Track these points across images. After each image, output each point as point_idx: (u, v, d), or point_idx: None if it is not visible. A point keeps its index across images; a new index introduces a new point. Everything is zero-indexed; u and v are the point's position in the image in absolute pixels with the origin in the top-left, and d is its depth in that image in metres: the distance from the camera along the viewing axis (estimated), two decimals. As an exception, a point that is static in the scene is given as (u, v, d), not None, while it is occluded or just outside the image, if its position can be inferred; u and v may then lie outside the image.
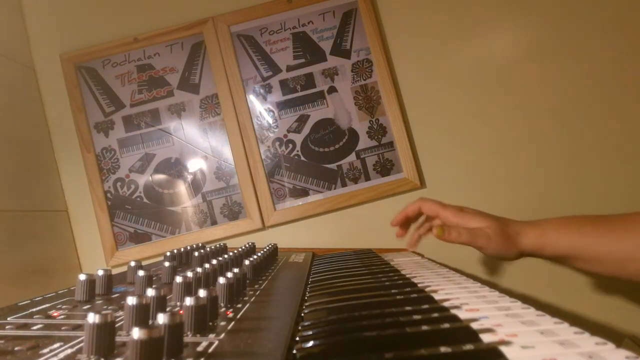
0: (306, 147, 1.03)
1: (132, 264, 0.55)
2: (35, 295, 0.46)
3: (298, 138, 1.03)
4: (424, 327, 0.31)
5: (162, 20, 1.06)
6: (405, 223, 0.75)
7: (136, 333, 0.23)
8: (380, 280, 0.52)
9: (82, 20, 1.07)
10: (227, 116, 1.03)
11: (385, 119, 1.02)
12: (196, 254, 0.63)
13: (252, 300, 0.43)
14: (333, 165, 1.02)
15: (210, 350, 0.28)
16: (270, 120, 1.04)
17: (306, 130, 1.03)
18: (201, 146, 1.04)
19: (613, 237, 0.58)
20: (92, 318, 0.26)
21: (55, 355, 0.28)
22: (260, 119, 1.04)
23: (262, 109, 1.04)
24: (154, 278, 0.48)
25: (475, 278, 0.52)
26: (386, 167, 1.01)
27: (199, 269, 0.44)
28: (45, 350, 0.28)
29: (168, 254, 0.67)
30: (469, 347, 0.27)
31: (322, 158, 1.02)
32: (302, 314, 0.40)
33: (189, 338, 0.30)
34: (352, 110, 1.03)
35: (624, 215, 0.59)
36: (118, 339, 0.29)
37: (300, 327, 0.35)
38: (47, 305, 0.42)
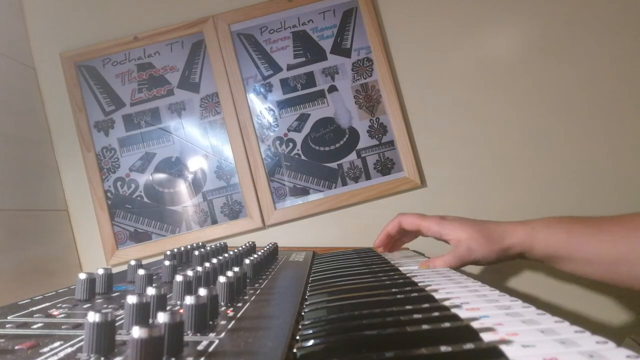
0: (306, 146, 1.03)
1: (133, 263, 0.55)
2: (36, 294, 0.46)
3: (298, 137, 1.03)
4: (425, 326, 0.31)
5: (162, 19, 1.06)
6: (388, 242, 0.76)
7: (136, 332, 0.23)
8: (380, 279, 0.52)
9: (82, 19, 1.07)
10: (227, 115, 1.03)
11: (385, 118, 1.02)
12: (196, 253, 0.63)
13: (252, 299, 0.43)
14: (333, 164, 1.02)
15: (210, 349, 0.28)
16: (271, 119, 1.04)
17: (306, 129, 1.03)
18: (201, 145, 1.04)
19: (604, 238, 0.56)
20: (92, 317, 0.26)
21: (56, 354, 0.28)
22: (261, 117, 1.04)
23: (262, 107, 1.04)
24: (154, 277, 0.48)
25: (475, 277, 0.52)
26: (387, 166, 1.01)
27: (199, 268, 0.44)
28: (45, 349, 0.28)
29: (168, 253, 0.67)
30: (469, 346, 0.27)
31: (323, 157, 1.02)
32: (303, 313, 0.40)
33: (189, 337, 0.30)
34: (352, 109, 1.03)
35: (617, 217, 0.57)
36: (118, 337, 0.29)
37: (300, 326, 0.35)
38: (47, 304, 0.42)
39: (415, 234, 0.74)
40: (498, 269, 0.97)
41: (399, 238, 0.77)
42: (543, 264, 0.63)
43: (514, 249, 0.61)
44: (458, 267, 0.62)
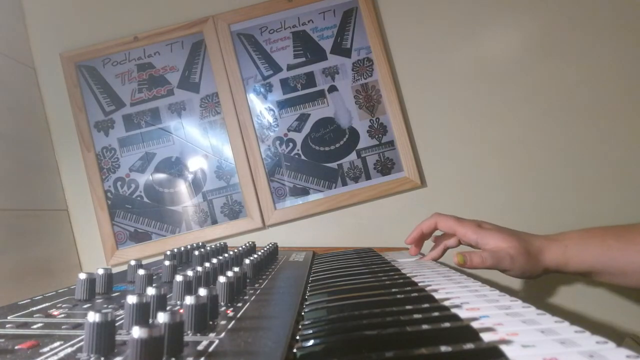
0: (307, 146, 1.03)
1: (133, 263, 0.55)
2: (36, 294, 0.46)
3: (298, 137, 1.03)
4: (425, 326, 0.31)
5: (162, 19, 1.06)
6: (420, 240, 0.73)
7: (136, 332, 0.23)
8: (380, 279, 0.52)
9: (82, 19, 1.07)
10: (227, 115, 1.03)
11: (385, 118, 1.02)
12: (196, 253, 0.63)
13: (252, 299, 0.43)
14: (333, 164, 1.02)
15: (210, 349, 0.28)
16: (271, 119, 1.04)
17: (307, 129, 1.03)
18: (201, 145, 1.04)
19: (638, 248, 0.56)
20: (92, 317, 0.26)
21: (56, 354, 0.28)
22: (261, 117, 1.04)
23: (262, 107, 1.04)
24: (154, 277, 0.48)
25: (475, 277, 0.52)
26: (387, 166, 1.01)
27: (199, 268, 0.44)
28: (45, 349, 0.28)
29: (168, 253, 0.67)
30: (469, 346, 0.27)
31: (323, 157, 1.02)
32: (303, 313, 0.40)
33: (189, 337, 0.30)
34: (352, 109, 1.03)
35: None
36: (118, 337, 0.29)
37: (300, 326, 0.35)
38: (47, 304, 0.42)
39: (448, 238, 0.71)
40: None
41: (430, 237, 0.74)
42: (577, 277, 0.63)
43: (550, 266, 0.61)
44: (491, 268, 0.61)
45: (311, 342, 0.31)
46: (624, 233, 0.58)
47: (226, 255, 0.56)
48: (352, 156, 1.02)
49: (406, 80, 1.03)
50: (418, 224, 0.71)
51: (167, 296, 0.35)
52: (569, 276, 0.94)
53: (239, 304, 0.40)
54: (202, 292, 0.33)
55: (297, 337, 0.32)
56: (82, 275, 0.43)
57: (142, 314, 0.31)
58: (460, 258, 0.61)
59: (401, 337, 0.30)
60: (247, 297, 0.43)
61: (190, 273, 0.42)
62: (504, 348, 0.26)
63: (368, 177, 1.01)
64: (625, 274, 0.58)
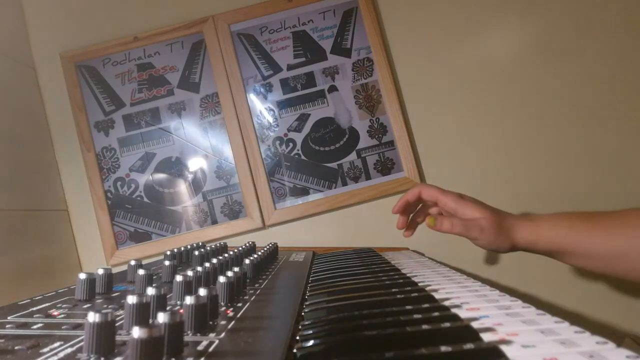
0: (307, 146, 1.03)
1: (133, 263, 0.55)
2: (36, 294, 0.46)
3: (298, 137, 1.03)
4: (425, 326, 0.31)
5: (162, 19, 1.06)
6: (406, 209, 0.74)
7: (136, 332, 0.23)
8: (380, 280, 0.52)
9: (82, 19, 1.07)
10: (227, 115, 1.03)
11: (385, 118, 1.02)
12: (196, 253, 0.63)
13: (252, 299, 0.43)
14: (333, 164, 1.02)
15: (210, 349, 0.28)
16: (271, 119, 1.04)
17: (307, 129, 1.03)
18: (201, 145, 1.04)
19: (603, 233, 0.57)
20: (92, 317, 0.26)
21: (56, 354, 0.28)
22: (261, 117, 1.04)
23: (262, 107, 1.04)
24: (154, 277, 0.48)
25: (475, 277, 0.52)
26: (387, 166, 1.01)
27: (199, 268, 0.44)
28: (45, 350, 0.28)
29: (168, 253, 0.67)
30: (469, 346, 0.27)
31: (323, 157, 1.02)
32: (303, 313, 0.40)
33: (189, 337, 0.30)
34: (352, 109, 1.03)
35: (616, 212, 0.59)
36: (118, 338, 0.29)
37: (300, 326, 0.35)
38: (47, 304, 0.42)
39: (430, 208, 0.73)
40: (499, 267, 0.97)
41: (416, 208, 0.75)
42: (547, 257, 0.64)
43: (519, 243, 0.63)
44: (461, 235, 0.63)
45: (311, 342, 0.31)
46: (593, 218, 0.60)
47: (226, 255, 0.56)
48: (352, 156, 1.02)
49: (406, 80, 1.03)
50: (403, 194, 0.73)
51: (167, 296, 0.35)
52: (569, 275, 0.94)
53: (239, 304, 0.40)
54: (202, 292, 0.33)
55: (297, 337, 0.32)
56: (82, 275, 0.43)
57: (142, 314, 0.31)
58: (431, 220, 0.64)
59: (401, 337, 0.30)
60: (247, 297, 0.43)
61: (190, 273, 0.42)
62: (504, 348, 0.26)
63: (368, 177, 1.01)
64: (589, 257, 0.59)
